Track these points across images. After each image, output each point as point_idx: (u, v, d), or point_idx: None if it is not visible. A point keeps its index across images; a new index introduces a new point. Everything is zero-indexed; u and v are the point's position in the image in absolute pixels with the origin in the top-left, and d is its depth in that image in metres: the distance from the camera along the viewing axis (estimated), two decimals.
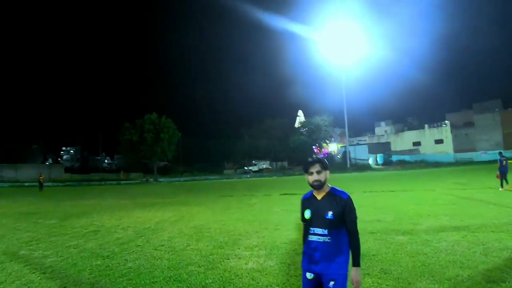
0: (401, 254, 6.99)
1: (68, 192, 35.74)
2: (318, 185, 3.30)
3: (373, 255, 6.94)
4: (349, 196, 3.32)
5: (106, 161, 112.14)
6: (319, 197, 3.35)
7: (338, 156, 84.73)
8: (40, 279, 6.31)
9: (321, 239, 3.24)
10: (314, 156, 3.57)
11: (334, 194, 3.32)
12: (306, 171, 3.35)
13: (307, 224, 3.39)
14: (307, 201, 3.45)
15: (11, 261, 7.59)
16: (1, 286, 6.00)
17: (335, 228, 3.22)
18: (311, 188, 3.43)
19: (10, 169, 65.98)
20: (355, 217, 3.30)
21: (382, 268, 6.12)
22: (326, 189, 3.36)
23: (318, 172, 3.29)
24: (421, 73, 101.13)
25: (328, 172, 3.37)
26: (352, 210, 3.28)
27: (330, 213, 3.22)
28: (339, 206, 3.24)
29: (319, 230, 3.26)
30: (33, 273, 6.68)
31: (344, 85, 72.35)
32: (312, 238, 3.30)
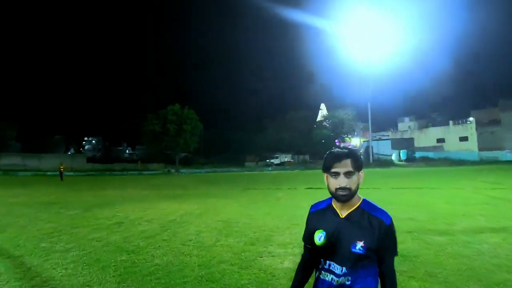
0: (442, 256, 6.69)
1: (90, 181, 35.78)
2: (345, 197, 2.12)
3: (415, 257, 6.60)
4: (392, 219, 2.14)
5: (127, 151, 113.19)
6: (343, 213, 2.18)
7: (361, 151, 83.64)
8: (62, 275, 5.87)
9: (338, 280, 2.11)
10: (343, 146, 2.30)
11: (368, 213, 2.14)
12: (328, 169, 2.14)
13: (318, 253, 2.27)
14: (321, 216, 2.27)
15: (31, 255, 7.19)
16: (19, 283, 5.56)
17: (362, 267, 2.10)
18: (328, 195, 2.30)
19: (34, 159, 67.17)
20: (396, 252, 2.20)
21: (426, 271, 5.82)
22: (355, 202, 2.18)
23: (348, 174, 2.10)
24: (447, 67, 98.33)
25: (362, 174, 2.18)
26: (394, 241, 2.17)
27: (359, 244, 2.08)
28: (375, 234, 2.08)
29: (336, 267, 2.13)
30: (54, 268, 6.25)
31: (369, 79, 71.32)
32: (325, 276, 2.18)
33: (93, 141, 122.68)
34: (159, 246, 7.82)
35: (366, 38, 67.68)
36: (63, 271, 6.10)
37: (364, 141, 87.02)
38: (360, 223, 2.12)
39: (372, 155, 71.09)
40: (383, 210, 2.18)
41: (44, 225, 10.57)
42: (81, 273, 5.97)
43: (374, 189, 19.81)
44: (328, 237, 2.16)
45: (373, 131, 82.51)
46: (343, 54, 73.10)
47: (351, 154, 2.15)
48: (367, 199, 2.26)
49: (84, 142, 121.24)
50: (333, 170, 2.12)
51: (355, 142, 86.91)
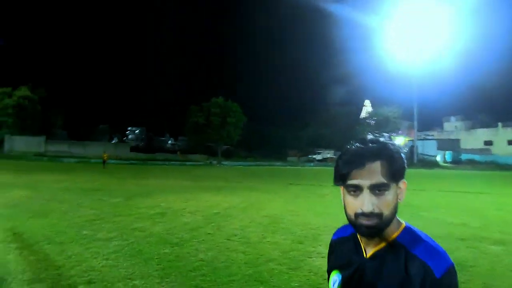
0: (500, 267, 6.25)
1: (132, 170, 36.30)
2: (372, 231, 1.28)
3: (470, 267, 6.14)
4: (449, 267, 1.20)
5: (170, 142, 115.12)
6: (368, 249, 1.36)
7: (405, 150, 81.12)
8: (102, 266, 5.61)
9: None
10: (370, 139, 1.36)
11: (407, 252, 1.27)
12: (342, 180, 1.33)
13: None
14: (341, 248, 1.51)
15: (72, 242, 7.02)
16: (58, 271, 5.33)
17: None
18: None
19: (79, 146, 69.57)
20: None
21: (484, 283, 5.42)
22: (390, 232, 1.33)
23: (377, 189, 1.27)
24: (496, 66, 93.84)
25: (404, 187, 1.36)
26: None
27: None
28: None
29: None
30: (95, 258, 6.02)
31: (415, 76, 69.51)
32: None
33: (137, 131, 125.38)
34: (203, 240, 7.51)
35: (414, 34, 66.23)
36: (104, 261, 5.85)
37: (409, 140, 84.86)
38: (391, 269, 1.27)
39: (417, 155, 69.52)
40: (434, 249, 1.25)
41: (86, 211, 10.51)
42: (122, 264, 5.70)
43: (419, 190, 18.83)
44: (343, 285, 1.40)
45: (418, 130, 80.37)
46: (389, 51, 71.45)
47: (383, 151, 1.30)
48: (412, 226, 1.36)
49: (127, 132, 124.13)
50: (351, 182, 1.28)
51: (399, 141, 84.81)
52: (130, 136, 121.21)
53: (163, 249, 6.66)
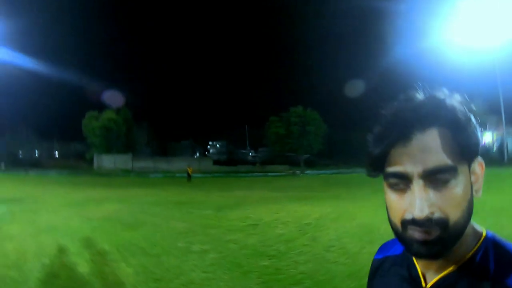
0: None
1: (216, 183, 36.93)
2: (431, 248, 0.76)
3: None
4: None
5: (250, 153, 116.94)
6: (429, 276, 0.86)
7: (493, 145, 75.49)
8: (201, 279, 5.55)
9: None
10: (418, 92, 0.85)
11: (498, 281, 0.75)
12: (378, 165, 0.86)
13: None
14: (386, 275, 1.02)
15: (168, 254, 7.04)
16: (157, 284, 5.25)
17: None
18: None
19: (163, 162, 73.43)
20: None
21: None
22: (464, 248, 0.82)
23: (434, 178, 0.76)
24: None
25: (479, 168, 0.84)
26: None
27: None
28: None
29: None
30: (193, 270, 5.96)
31: (497, 65, 64.67)
32: None
33: (217, 145, 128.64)
34: (301, 251, 7.25)
35: (490, 17, 61.39)
36: (203, 274, 5.75)
37: (498, 137, 78.88)
38: None
39: (507, 153, 63.84)
40: None
41: (177, 224, 10.62)
42: (221, 277, 5.57)
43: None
44: None
45: (506, 125, 74.36)
46: (465, 40, 67.10)
47: (442, 111, 0.80)
48: (499, 237, 0.86)
49: (208, 146, 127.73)
50: (390, 169, 0.82)
51: (487, 138, 79.21)
52: (211, 150, 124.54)
53: (261, 262, 6.48)
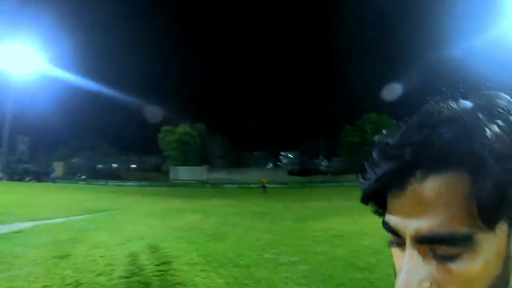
0: None
1: (292, 193, 36.89)
2: None
3: None
4: None
5: (323, 163, 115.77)
6: None
7: None
8: None
9: None
10: (430, 106, 0.55)
11: None
12: (375, 207, 0.59)
13: None
14: None
15: (257, 266, 6.98)
16: None
17: None
18: None
19: (237, 173, 75.32)
20: None
21: None
22: None
23: (437, 246, 0.47)
24: None
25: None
26: None
27: None
28: None
29: None
30: (285, 283, 5.86)
31: None
32: None
33: (290, 155, 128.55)
34: (392, 264, 6.88)
35: None
36: (296, 286, 5.63)
37: None
38: None
39: None
40: None
41: (262, 235, 10.60)
42: None
43: None
44: None
45: None
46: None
47: (467, 143, 0.45)
48: None
49: (281, 157, 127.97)
50: (386, 217, 0.55)
51: None
52: (284, 161, 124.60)
53: (353, 274, 6.27)
